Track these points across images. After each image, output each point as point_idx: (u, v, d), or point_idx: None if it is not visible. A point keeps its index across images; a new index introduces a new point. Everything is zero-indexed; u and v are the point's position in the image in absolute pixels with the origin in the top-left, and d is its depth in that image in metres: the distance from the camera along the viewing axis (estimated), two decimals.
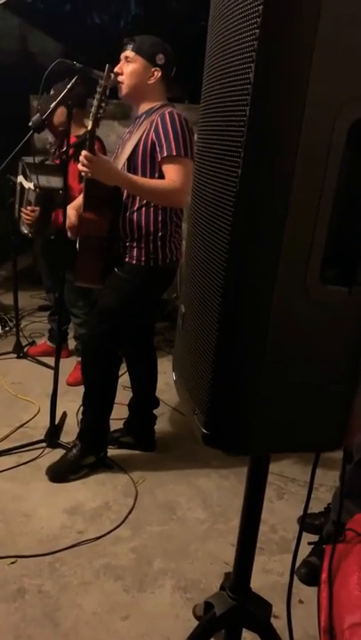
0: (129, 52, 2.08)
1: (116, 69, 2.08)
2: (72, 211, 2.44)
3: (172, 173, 2.01)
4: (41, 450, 2.48)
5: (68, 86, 2.09)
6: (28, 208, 3.04)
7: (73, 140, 3.02)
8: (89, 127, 1.96)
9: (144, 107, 2.16)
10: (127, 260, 2.18)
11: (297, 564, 1.89)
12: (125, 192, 2.13)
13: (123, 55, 2.11)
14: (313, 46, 0.57)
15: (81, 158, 1.95)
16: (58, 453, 2.45)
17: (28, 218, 3.03)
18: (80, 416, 2.44)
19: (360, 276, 0.70)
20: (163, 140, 2.01)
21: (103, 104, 1.91)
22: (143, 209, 2.12)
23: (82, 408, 2.40)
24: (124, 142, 2.21)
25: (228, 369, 0.72)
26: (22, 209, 3.10)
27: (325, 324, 0.70)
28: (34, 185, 2.89)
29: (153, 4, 9.38)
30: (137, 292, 2.20)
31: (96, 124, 1.95)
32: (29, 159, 2.99)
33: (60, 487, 2.28)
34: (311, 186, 0.64)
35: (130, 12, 10.05)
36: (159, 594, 1.79)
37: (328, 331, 0.71)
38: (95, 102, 1.91)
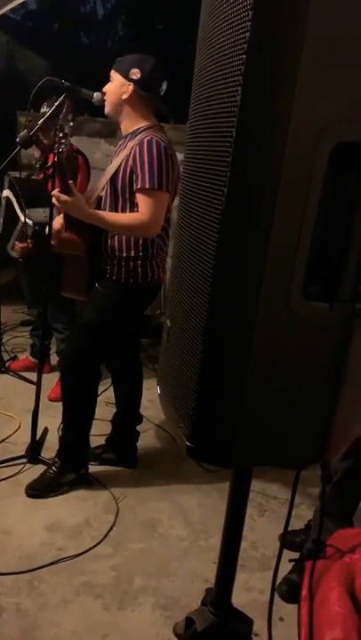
0: (112, 72, 2.12)
1: (104, 89, 2.13)
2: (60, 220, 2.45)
3: (143, 206, 2.03)
4: (21, 465, 2.45)
5: (56, 104, 2.12)
6: (25, 244, 3.03)
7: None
8: (57, 159, 2.01)
9: (128, 126, 2.15)
10: (107, 276, 2.20)
11: (278, 581, 1.89)
12: None
13: (110, 75, 2.15)
14: (297, 70, 0.60)
15: (53, 199, 2.03)
16: (39, 469, 2.43)
17: (23, 251, 3.04)
18: (60, 432, 2.43)
19: (341, 293, 0.72)
20: (139, 170, 2.01)
21: (65, 141, 1.96)
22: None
23: (61, 424, 2.38)
24: (112, 160, 2.24)
25: (212, 383, 0.74)
26: (17, 242, 3.09)
27: (308, 338, 0.72)
28: (32, 222, 2.89)
29: (139, 25, 9.54)
30: (116, 308, 2.21)
31: (60, 160, 2.00)
32: (16, 174, 3.00)
33: (41, 503, 2.25)
34: (294, 206, 0.66)
35: (117, 32, 10.20)
36: (139, 612, 1.77)
37: (310, 345, 0.73)
38: (56, 139, 1.95)
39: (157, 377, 1.01)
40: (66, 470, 2.34)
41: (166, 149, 2.04)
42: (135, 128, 2.12)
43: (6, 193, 3.15)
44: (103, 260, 2.21)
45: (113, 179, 2.12)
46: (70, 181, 2.02)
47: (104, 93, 2.11)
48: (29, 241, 2.94)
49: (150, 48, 8.49)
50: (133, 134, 2.12)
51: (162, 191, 2.01)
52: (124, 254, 2.15)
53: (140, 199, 2.04)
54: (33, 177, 3.13)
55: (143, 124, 2.12)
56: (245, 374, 0.71)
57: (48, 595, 1.79)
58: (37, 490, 2.30)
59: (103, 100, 2.09)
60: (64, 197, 1.98)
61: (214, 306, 0.71)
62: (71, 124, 2.00)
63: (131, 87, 2.06)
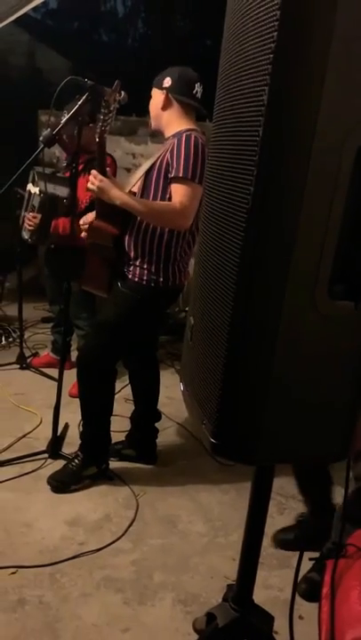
0: (152, 91, 2.17)
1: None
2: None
3: (178, 194, 2.04)
4: (43, 461, 2.48)
5: (79, 102, 2.14)
6: (31, 214, 3.07)
7: (85, 156, 3.07)
8: (96, 141, 2.04)
9: (170, 131, 2.19)
10: (130, 276, 2.21)
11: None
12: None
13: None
14: (325, 70, 0.60)
15: (90, 177, 2.03)
16: (60, 464, 2.46)
17: (30, 223, 3.06)
18: (81, 428, 2.45)
19: None
20: (175, 160, 2.04)
21: (108, 119, 1.97)
22: (149, 231, 2.15)
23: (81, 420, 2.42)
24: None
25: (237, 380, 0.74)
26: (25, 213, 3.13)
27: (333, 337, 0.72)
28: (39, 190, 2.93)
29: (159, 23, 9.54)
30: (136, 309, 2.22)
31: (101, 138, 2.02)
32: (40, 169, 3.04)
33: (62, 498, 2.28)
34: (320, 206, 0.66)
35: (137, 30, 10.23)
36: (159, 607, 1.78)
37: (335, 344, 0.73)
38: (101, 117, 1.97)
39: (180, 374, 1.02)
40: (88, 464, 2.37)
41: (203, 146, 2.07)
42: (176, 131, 2.15)
43: (30, 187, 3.19)
44: (126, 258, 2.22)
45: (148, 173, 2.14)
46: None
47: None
48: (35, 213, 2.98)
49: (170, 45, 8.49)
50: (174, 136, 2.14)
51: (195, 182, 2.02)
52: (147, 257, 2.16)
53: (174, 188, 2.05)
54: (58, 174, 3.16)
55: (184, 126, 2.15)
56: (270, 372, 0.72)
57: (69, 588, 1.82)
58: (59, 481, 2.33)
59: (126, 100, 2.10)
60: (101, 176, 2.00)
61: (239, 305, 0.71)
62: (117, 104, 2.00)
63: (164, 95, 2.14)
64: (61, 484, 2.33)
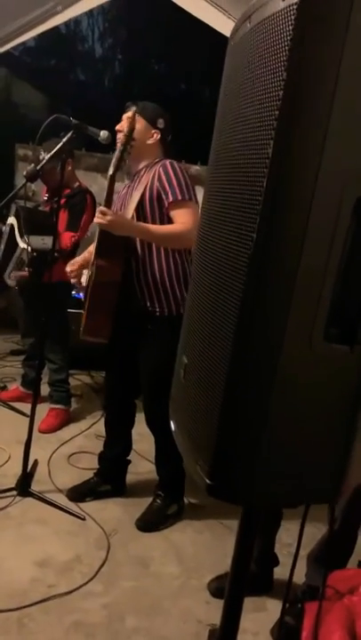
0: (131, 114, 2.18)
1: (118, 127, 2.20)
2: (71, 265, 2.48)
3: (182, 216, 2.12)
4: (11, 498, 2.41)
5: (64, 140, 2.17)
6: (21, 272, 3.04)
7: (66, 191, 3.10)
8: (107, 179, 2.10)
9: (143, 163, 2.27)
10: (157, 314, 2.22)
11: (271, 624, 1.87)
12: (138, 245, 2.20)
13: (125, 116, 2.22)
14: (328, 127, 0.64)
15: (97, 213, 2.06)
16: (28, 503, 2.39)
17: (19, 278, 3.05)
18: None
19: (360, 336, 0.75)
20: (167, 187, 2.13)
21: (126, 154, 2.06)
22: (158, 257, 2.19)
23: (156, 459, 2.50)
24: (123, 196, 2.29)
25: (233, 421, 0.75)
26: (13, 271, 3.11)
27: (328, 380, 0.74)
28: (30, 247, 2.91)
29: (135, 65, 9.82)
30: (175, 341, 2.20)
31: (114, 176, 2.08)
32: (22, 202, 3.04)
33: (31, 538, 2.21)
34: (319, 254, 0.69)
35: (113, 71, 10.50)
36: None
37: (330, 387, 0.75)
38: (117, 154, 2.01)
39: (170, 412, 1.02)
40: (170, 502, 2.41)
41: (184, 169, 2.20)
42: (147, 163, 2.25)
43: (11, 220, 3.19)
44: (142, 296, 2.22)
45: (139, 207, 2.17)
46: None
47: (118, 131, 2.18)
48: (27, 269, 2.95)
49: (146, 87, 8.73)
50: (148, 167, 2.23)
51: (193, 202, 2.13)
52: (168, 283, 2.19)
53: (177, 212, 2.13)
54: (40, 208, 3.17)
55: (160, 156, 2.28)
56: (266, 413, 0.73)
57: (37, 634, 1.75)
58: (147, 522, 2.37)
59: (109, 139, 2.15)
60: (109, 212, 2.03)
61: (238, 347, 0.73)
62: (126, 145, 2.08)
63: (157, 135, 2.24)
64: (150, 525, 2.36)
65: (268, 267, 0.69)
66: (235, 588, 1.04)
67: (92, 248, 2.49)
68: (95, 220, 2.07)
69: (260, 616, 1.93)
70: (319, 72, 0.63)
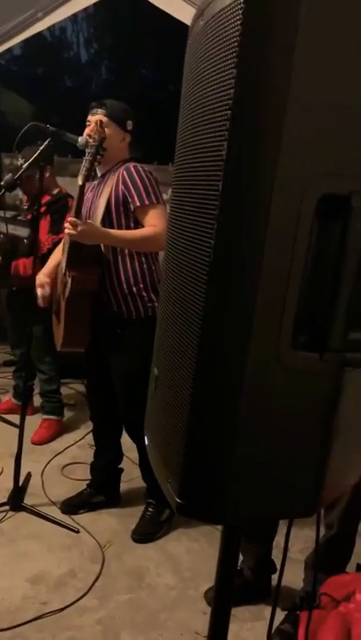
0: (101, 117, 2.16)
1: (88, 132, 2.15)
2: (43, 277, 2.44)
3: (151, 219, 2.10)
4: (4, 513, 2.37)
5: (41, 148, 2.14)
6: None
7: (47, 198, 3.07)
8: (79, 186, 2.06)
9: (109, 166, 2.24)
10: (126, 317, 2.19)
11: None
12: (104, 249, 2.17)
13: (94, 119, 2.18)
14: (282, 128, 0.61)
15: (66, 224, 2.02)
16: (21, 517, 2.36)
17: None
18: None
19: (331, 342, 0.71)
20: (133, 190, 2.10)
21: (87, 165, 2.02)
22: (128, 260, 2.17)
23: (140, 466, 2.49)
24: (90, 199, 2.25)
25: (201, 437, 0.71)
26: None
27: (298, 389, 0.71)
28: None
29: (123, 69, 9.81)
30: (149, 344, 2.18)
31: (84, 187, 2.05)
32: (1, 212, 3.01)
33: (23, 554, 2.17)
34: (281, 257, 0.65)
35: (100, 76, 10.47)
36: None
37: (301, 397, 0.71)
38: (86, 164, 1.98)
39: (145, 427, 0.98)
40: (162, 508, 2.37)
41: (150, 171, 2.18)
42: (114, 164, 2.22)
43: None
44: (112, 300, 2.20)
45: (106, 212, 2.14)
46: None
47: (89, 136, 2.14)
48: None
49: (134, 90, 8.71)
50: (113, 170, 2.21)
51: (160, 204, 2.12)
52: (134, 287, 2.17)
53: (146, 215, 2.11)
54: (19, 217, 3.14)
55: (124, 156, 2.25)
56: (236, 427, 0.69)
57: None
58: (144, 534, 2.32)
59: (87, 144, 2.11)
60: (79, 222, 1.99)
61: (202, 359, 0.69)
62: (93, 149, 2.04)
63: (127, 138, 2.23)
64: (146, 536, 2.32)
65: (228, 273, 0.66)
66: (221, 599, 1.00)
67: (53, 262, 2.46)
68: (66, 231, 2.04)
69: (258, 625, 1.89)
70: (270, 69, 0.60)
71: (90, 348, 2.26)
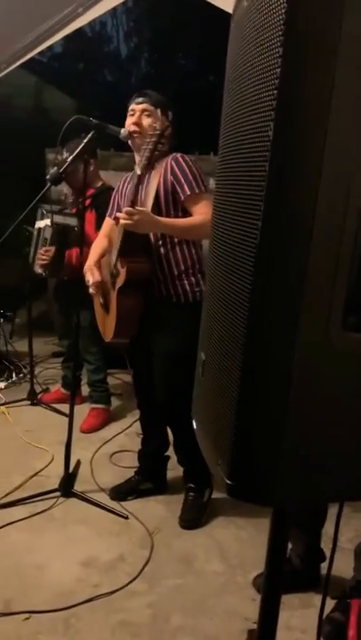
0: (147, 106, 2.17)
1: (133, 121, 2.17)
2: (92, 264, 2.46)
3: (201, 207, 2.13)
4: (55, 499, 2.44)
5: (85, 141, 2.17)
6: (43, 249, 3.09)
7: (91, 191, 3.12)
8: (134, 179, 2.07)
9: (155, 157, 2.21)
10: (175, 301, 2.23)
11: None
12: (153, 237, 2.20)
13: (138, 108, 2.19)
14: (330, 105, 0.60)
15: (121, 215, 2.03)
16: (71, 503, 2.42)
17: (44, 257, 3.08)
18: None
19: None
20: (182, 180, 2.13)
21: (156, 152, 2.02)
22: (177, 248, 2.20)
23: (176, 451, 2.52)
24: (132, 190, 2.26)
25: (252, 420, 0.72)
26: (39, 252, 3.16)
27: (348, 371, 0.70)
28: (50, 222, 2.96)
29: (162, 61, 9.80)
30: (193, 332, 2.20)
31: (143, 176, 2.08)
32: (48, 206, 3.08)
33: (75, 539, 2.23)
34: (331, 236, 0.65)
35: (140, 69, 10.50)
36: None
37: (351, 378, 0.71)
38: (146, 153, 2.00)
39: (193, 410, 0.99)
40: (204, 489, 2.45)
41: (196, 162, 2.21)
42: (158, 156, 2.17)
43: (39, 224, 3.23)
44: (158, 287, 2.23)
45: (155, 202, 2.15)
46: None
47: (136, 125, 2.17)
48: (48, 247, 2.99)
49: (174, 82, 8.70)
50: (157, 161, 2.16)
51: (207, 193, 2.14)
52: (183, 273, 2.21)
53: (195, 204, 2.15)
54: (66, 210, 3.20)
55: (165, 152, 2.23)
56: (285, 411, 0.69)
57: (85, 634, 1.76)
58: (190, 520, 2.38)
59: (130, 137, 2.13)
60: (136, 211, 1.99)
61: (251, 341, 0.69)
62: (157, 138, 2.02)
63: (170, 129, 2.24)
64: (193, 521, 2.37)
65: (276, 255, 0.66)
66: (270, 586, 1.01)
67: (97, 251, 2.47)
68: (122, 221, 2.04)
69: (307, 613, 1.89)
70: (317, 45, 0.59)
71: (135, 336, 2.29)
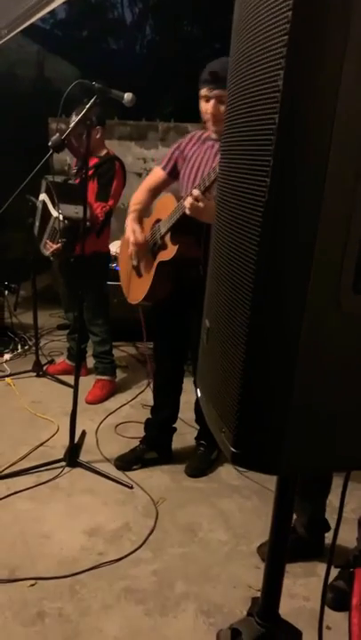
0: (220, 92, 2.01)
1: (210, 111, 2.08)
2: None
3: None
4: (60, 469, 2.45)
5: (88, 105, 2.11)
6: (55, 246, 3.01)
7: (94, 160, 3.05)
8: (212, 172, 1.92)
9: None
10: None
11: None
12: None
13: (213, 94, 2.05)
14: (345, 49, 0.56)
15: (189, 199, 1.94)
16: (77, 473, 2.43)
17: (54, 250, 3.03)
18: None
19: None
20: None
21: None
22: None
23: (196, 409, 2.63)
24: (200, 157, 2.20)
25: (257, 385, 0.70)
26: (47, 240, 3.10)
27: (358, 336, 0.68)
28: (62, 216, 2.89)
29: (167, 28, 9.55)
30: None
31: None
32: (52, 177, 3.02)
33: (80, 508, 2.25)
34: (342, 196, 0.62)
35: (145, 36, 10.24)
36: (181, 618, 1.74)
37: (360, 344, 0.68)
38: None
39: (197, 379, 0.97)
40: (213, 447, 2.58)
41: None
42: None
43: (43, 197, 3.18)
44: (204, 264, 2.16)
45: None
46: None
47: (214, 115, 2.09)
48: (60, 240, 2.94)
49: (179, 49, 8.49)
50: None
51: None
52: None
53: None
54: (70, 181, 3.14)
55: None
56: (292, 375, 0.67)
57: (89, 600, 1.78)
58: (196, 468, 2.55)
59: (134, 101, 2.07)
60: (205, 199, 1.92)
61: (257, 305, 0.67)
62: None
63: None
64: (199, 470, 2.54)
65: (284, 214, 0.63)
66: (275, 554, 1.00)
67: (136, 212, 2.37)
68: (187, 204, 1.94)
69: (311, 581, 1.90)
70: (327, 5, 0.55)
71: (168, 308, 2.36)
